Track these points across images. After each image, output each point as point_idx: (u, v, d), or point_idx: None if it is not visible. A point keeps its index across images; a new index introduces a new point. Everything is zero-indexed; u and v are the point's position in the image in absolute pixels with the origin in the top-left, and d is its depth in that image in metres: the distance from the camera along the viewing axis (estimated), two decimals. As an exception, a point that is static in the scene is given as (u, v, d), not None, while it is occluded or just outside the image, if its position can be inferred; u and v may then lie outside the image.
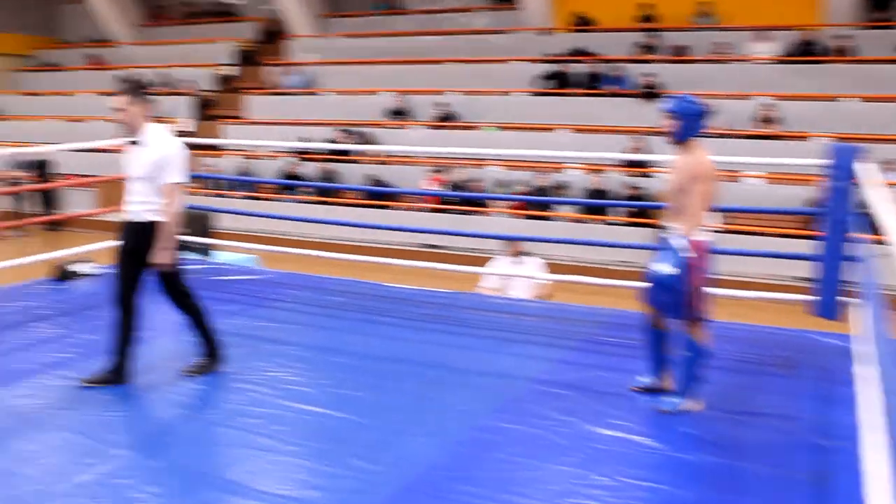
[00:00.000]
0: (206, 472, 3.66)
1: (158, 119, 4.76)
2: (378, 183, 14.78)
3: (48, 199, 17.07)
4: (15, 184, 16.16)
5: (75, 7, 23.29)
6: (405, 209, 14.30)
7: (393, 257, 8.20)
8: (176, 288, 4.79)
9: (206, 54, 20.36)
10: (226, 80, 20.02)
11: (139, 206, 4.60)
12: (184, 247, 7.84)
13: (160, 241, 4.55)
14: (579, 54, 16.32)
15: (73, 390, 4.57)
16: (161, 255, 4.56)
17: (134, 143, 4.64)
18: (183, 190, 4.61)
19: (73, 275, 7.26)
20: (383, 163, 15.76)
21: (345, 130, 16.08)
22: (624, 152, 13.34)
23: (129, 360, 4.70)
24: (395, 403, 4.48)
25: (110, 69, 21.12)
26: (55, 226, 15.88)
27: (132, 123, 4.58)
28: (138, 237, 4.58)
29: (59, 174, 17.05)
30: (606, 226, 13.00)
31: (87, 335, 5.61)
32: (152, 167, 4.54)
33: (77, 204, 16.12)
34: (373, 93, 17.16)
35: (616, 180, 13.56)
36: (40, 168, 17.27)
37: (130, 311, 4.63)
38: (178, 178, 4.57)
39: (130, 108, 4.55)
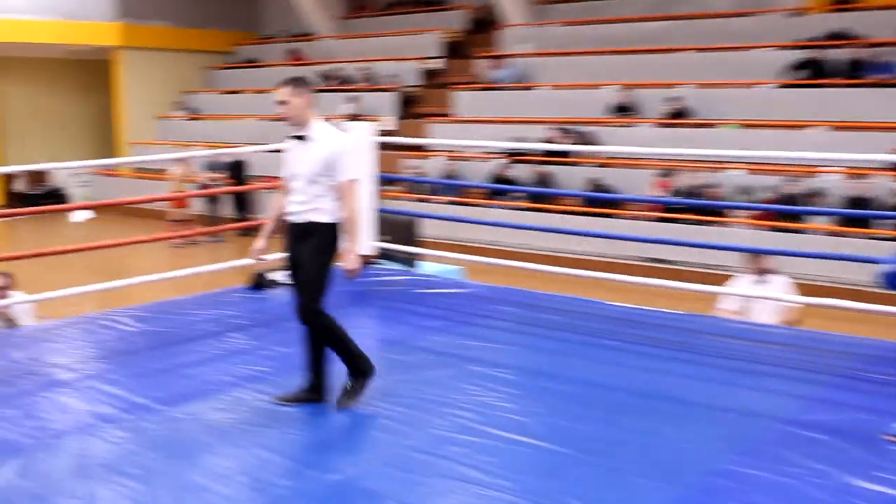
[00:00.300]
0: (406, 503, 3.74)
1: (358, 117, 4.93)
2: (599, 188, 14.67)
3: (243, 203, 18.15)
4: (209, 187, 17.27)
5: (276, 0, 24.76)
6: (629, 218, 14.11)
7: (615, 272, 8.09)
8: (312, 304, 4.75)
9: (410, 47, 21.02)
10: (431, 74, 20.58)
11: (303, 206, 4.70)
12: (386, 256, 8.12)
13: (347, 244, 4.67)
14: (838, 38, 15.50)
15: (268, 406, 4.81)
16: (351, 261, 4.70)
17: (298, 138, 4.76)
18: (358, 187, 4.71)
19: (270, 283, 7.66)
20: (605, 165, 15.63)
21: (562, 129, 16.08)
22: (891, 153, 12.51)
23: (326, 381, 4.89)
24: (617, 438, 4.40)
25: (310, 64, 22.26)
26: (250, 231, 16.89)
27: (295, 117, 4.69)
28: (304, 241, 4.69)
29: (255, 176, 18.04)
30: (869, 240, 12.23)
31: (282, 347, 5.90)
32: (321, 165, 4.63)
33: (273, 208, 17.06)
34: (594, 87, 17.07)
35: (882, 186, 12.74)
36: (235, 170, 18.37)
37: (322, 317, 4.74)
38: (352, 174, 4.69)
39: (293, 100, 4.66)
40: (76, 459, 4.16)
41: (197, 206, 18.01)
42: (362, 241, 4.81)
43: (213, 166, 18.18)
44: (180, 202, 16.87)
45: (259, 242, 4.98)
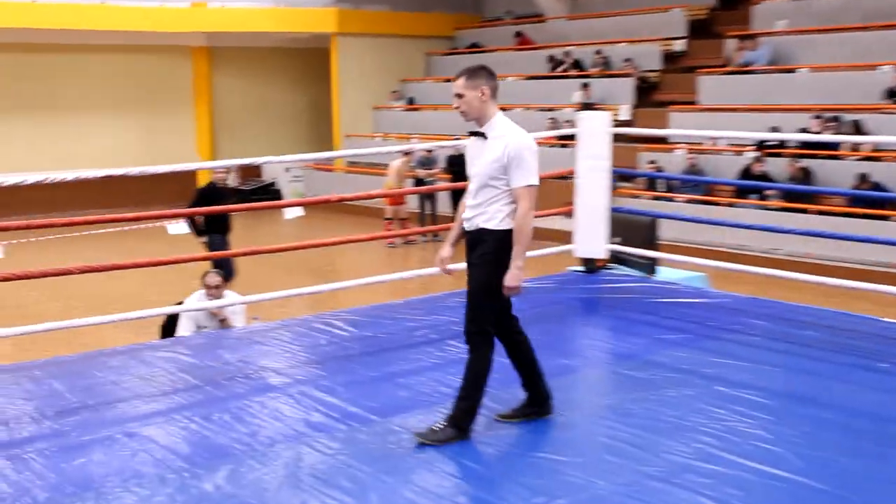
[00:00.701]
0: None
1: (591, 106, 4.85)
2: (869, 185, 13.95)
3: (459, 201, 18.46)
4: (425, 182, 17.66)
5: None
6: (905, 220, 13.35)
7: (887, 283, 7.66)
8: (478, 323, 4.65)
9: (649, 27, 20.74)
10: (673, 57, 20.22)
11: (474, 211, 4.66)
12: (620, 260, 8.04)
13: (512, 258, 4.54)
14: None
15: (487, 420, 4.85)
16: (511, 277, 4.54)
17: (476, 135, 4.71)
18: (535, 194, 4.56)
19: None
20: (876, 159, 14.85)
21: (825, 117, 15.41)
22: None
23: (543, 393, 4.89)
24: (891, 477, 4.16)
25: (538, 48, 22.40)
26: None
27: (470, 112, 4.62)
28: (473, 250, 4.64)
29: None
30: None
31: (506, 359, 5.94)
32: (495, 166, 4.56)
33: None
34: (864, 68, 16.24)
35: None
36: (455, 165, 18.68)
37: (484, 344, 4.69)
38: (531, 179, 4.54)
39: (468, 93, 4.59)
40: (287, 469, 4.36)
41: (414, 204, 18.48)
42: (523, 255, 4.59)
43: (430, 161, 18.58)
44: (396, 199, 17.37)
45: (444, 250, 4.94)
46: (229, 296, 8.00)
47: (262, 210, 8.67)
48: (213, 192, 11.25)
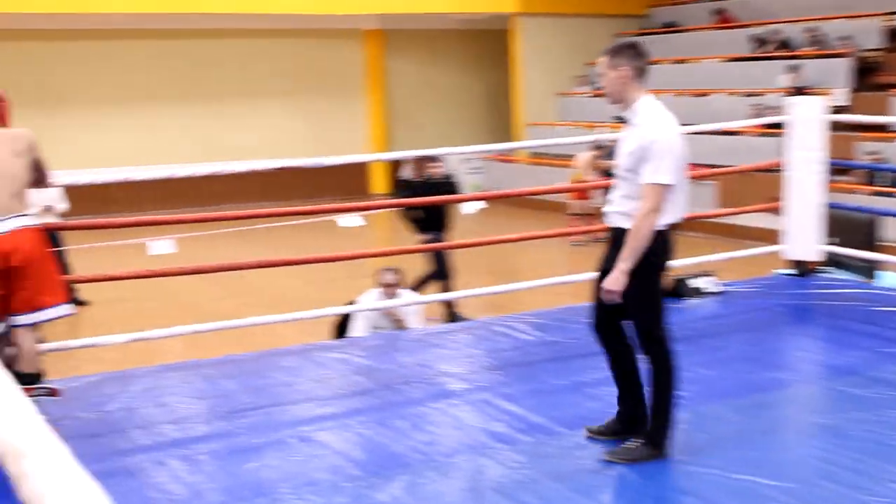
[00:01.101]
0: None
1: (802, 90, 4.65)
2: None
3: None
4: (613, 175, 17.50)
5: (702, -49, 24.64)
6: None
7: None
8: (647, 331, 4.59)
9: (869, 0, 19.99)
10: (897, 34, 19.45)
11: (614, 206, 4.59)
12: (836, 263, 7.79)
13: (619, 259, 4.44)
14: None
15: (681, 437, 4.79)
16: (611, 280, 4.45)
17: (621, 120, 4.62)
18: (666, 194, 4.40)
19: (691, 291, 7.63)
20: None
21: None
22: None
23: (637, 414, 4.74)
24: None
25: (741, 27, 21.90)
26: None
27: (612, 94, 4.56)
28: (616, 250, 4.52)
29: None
30: None
31: (705, 369, 5.86)
32: (632, 157, 4.48)
33: (695, 201, 16.96)
34: None
35: None
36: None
37: (614, 339, 4.68)
38: (659, 176, 4.39)
39: (609, 73, 4.54)
40: (468, 482, 4.40)
41: (601, 199, 18.37)
42: (632, 259, 4.41)
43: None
44: (582, 193, 17.29)
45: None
46: (405, 295, 8.14)
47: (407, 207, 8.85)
48: (428, 186, 11.31)
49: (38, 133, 5.40)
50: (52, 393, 5.22)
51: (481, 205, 7.75)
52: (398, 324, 8.05)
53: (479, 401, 5.48)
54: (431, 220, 11.11)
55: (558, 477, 4.41)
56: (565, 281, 8.00)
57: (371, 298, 8.19)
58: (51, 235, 11.92)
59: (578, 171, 17.15)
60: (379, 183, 24.53)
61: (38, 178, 5.36)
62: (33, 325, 5.13)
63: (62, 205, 11.61)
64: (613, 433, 4.81)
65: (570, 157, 18.07)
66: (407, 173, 11.76)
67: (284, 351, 6.83)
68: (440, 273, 10.59)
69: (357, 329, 8.10)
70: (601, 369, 5.96)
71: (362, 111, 25.13)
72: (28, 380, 4.99)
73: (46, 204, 11.24)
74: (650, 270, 4.49)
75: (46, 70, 21.66)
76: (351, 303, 8.43)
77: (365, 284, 8.76)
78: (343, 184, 22.98)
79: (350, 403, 5.55)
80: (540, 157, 22.70)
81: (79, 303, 11.79)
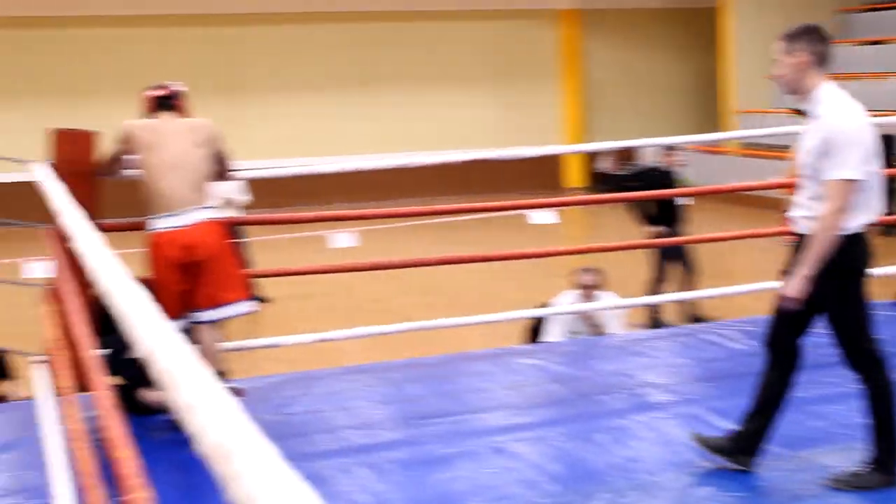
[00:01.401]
0: None
1: None
2: None
3: (891, 191, 17.55)
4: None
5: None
6: None
7: None
8: (852, 345, 4.48)
9: None
10: None
11: (800, 210, 4.46)
12: None
13: (800, 262, 4.34)
14: None
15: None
16: (791, 286, 4.35)
17: (801, 112, 4.51)
18: (854, 191, 4.26)
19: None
20: None
21: None
22: None
23: (754, 440, 4.60)
24: None
25: None
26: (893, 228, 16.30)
27: (788, 83, 4.47)
28: (798, 255, 4.43)
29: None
30: None
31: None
32: (814, 153, 4.35)
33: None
34: None
35: None
36: (887, 146, 17.83)
37: (782, 359, 4.58)
38: (846, 171, 4.25)
39: (785, 59, 4.46)
40: (673, 503, 4.34)
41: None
42: (814, 265, 4.27)
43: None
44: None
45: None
46: (605, 297, 8.09)
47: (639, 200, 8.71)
48: (655, 177, 11.22)
49: (217, 123, 5.57)
50: (237, 393, 5.39)
51: (687, 200, 7.63)
52: (597, 329, 7.99)
53: (686, 414, 5.39)
54: (663, 214, 10.95)
55: (776, 501, 4.32)
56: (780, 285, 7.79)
57: (567, 300, 8.15)
58: (234, 228, 12.38)
59: (793, 164, 16.71)
60: (574, 176, 24.45)
61: (220, 169, 5.52)
62: (215, 322, 5.29)
63: (244, 197, 11.97)
64: (719, 449, 4.66)
65: (785, 148, 17.62)
66: (605, 165, 11.65)
67: (474, 355, 6.88)
68: (686, 267, 10.43)
69: (552, 333, 8.08)
70: (826, 384, 5.82)
71: (556, 98, 25.07)
72: (211, 379, 5.15)
73: (228, 196, 11.59)
74: (847, 278, 4.39)
75: (226, 58, 22.38)
76: (545, 305, 8.41)
77: (559, 285, 8.73)
78: (534, 177, 23.00)
79: (545, 413, 5.55)
80: (752, 149, 22.20)
81: (260, 299, 12.13)
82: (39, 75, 21.25)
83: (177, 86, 5.52)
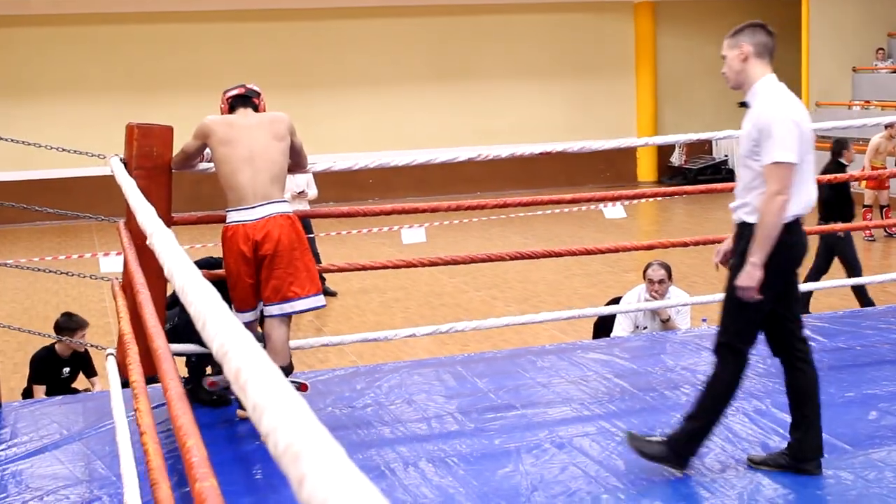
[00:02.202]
0: None
1: None
2: None
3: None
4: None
5: None
6: None
7: None
8: (783, 338, 4.63)
9: None
10: None
11: (736, 200, 4.61)
12: None
13: (749, 253, 4.41)
14: None
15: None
16: (743, 276, 4.40)
17: (742, 105, 4.65)
18: (791, 174, 4.36)
19: None
20: None
21: None
22: None
23: (809, 445, 4.61)
24: None
25: None
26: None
27: (732, 77, 4.63)
28: (737, 248, 4.58)
29: None
30: None
31: None
32: (749, 141, 4.49)
33: None
34: None
35: None
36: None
37: (730, 361, 4.58)
38: (782, 154, 4.35)
39: (728, 53, 4.60)
40: (739, 501, 4.37)
41: (897, 188, 17.68)
42: (763, 251, 4.36)
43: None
44: (880, 182, 16.66)
45: (725, 242, 4.84)
46: (674, 293, 8.09)
47: (711, 194, 8.64)
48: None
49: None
50: (301, 388, 5.49)
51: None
52: (666, 324, 8.00)
53: (752, 411, 5.41)
54: (836, 210, 10.72)
55: (842, 501, 4.33)
56: (857, 281, 7.78)
57: (636, 296, 8.17)
58: (303, 223, 12.52)
59: (873, 157, 16.55)
60: (647, 170, 24.37)
61: (297, 162, 5.64)
62: (284, 317, 5.39)
63: (313, 191, 12.11)
64: (777, 466, 4.67)
65: (866, 141, 17.44)
66: (678, 159, 11.59)
67: (539, 349, 6.94)
68: (852, 268, 10.22)
69: (619, 328, 8.10)
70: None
71: (629, 92, 24.99)
72: (278, 374, 5.25)
73: (299, 189, 11.74)
74: (773, 267, 4.43)
75: (296, 53, 22.57)
76: (614, 300, 8.43)
77: (631, 280, 8.76)
78: (607, 171, 22.97)
79: (611, 408, 5.58)
80: (828, 142, 21.97)
81: (328, 293, 12.28)
82: (116, 71, 21.62)
83: (254, 85, 5.64)
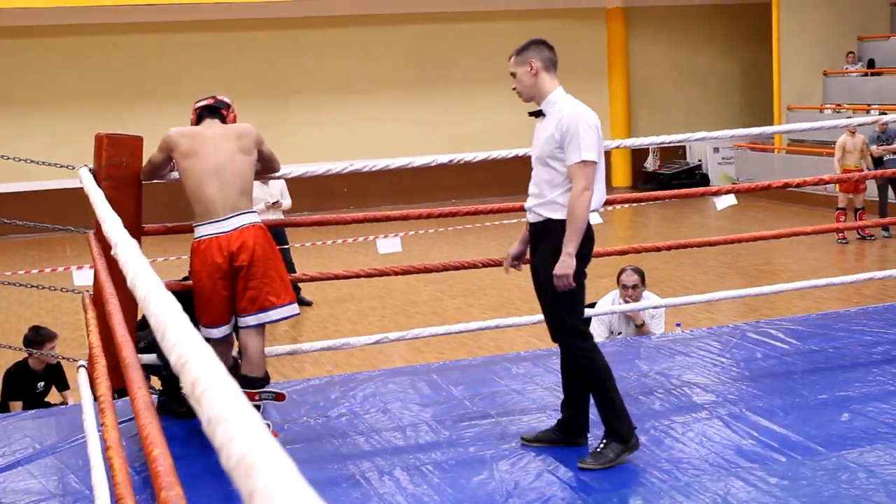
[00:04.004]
0: None
1: None
2: None
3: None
4: (884, 163, 16.77)
5: None
6: None
7: None
8: (565, 321, 4.91)
9: None
10: None
11: (535, 199, 4.94)
12: None
13: (564, 245, 4.73)
14: None
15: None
16: (560, 265, 4.71)
17: (535, 115, 4.99)
18: (594, 172, 4.77)
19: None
20: None
21: None
22: None
23: (580, 422, 5.08)
24: None
25: None
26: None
27: (525, 92, 5.00)
28: (536, 244, 4.99)
29: None
30: None
31: None
32: (552, 143, 4.83)
33: None
34: None
35: None
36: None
37: (584, 345, 4.93)
38: (586, 154, 4.74)
39: (518, 70, 4.99)
40: (717, 503, 4.36)
41: (870, 191, 17.72)
42: (575, 242, 4.75)
43: (889, 136, 17.63)
44: (852, 185, 16.72)
45: (514, 246, 5.30)
46: (648, 297, 8.10)
47: (686, 198, 8.68)
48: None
49: (262, 127, 5.66)
50: (277, 397, 5.45)
51: (732, 199, 7.62)
52: (640, 329, 8.00)
53: (727, 415, 5.41)
54: None
55: (816, 503, 4.32)
56: (828, 283, 7.78)
57: (610, 301, 8.17)
58: (277, 233, 12.48)
59: (844, 160, 16.58)
60: (621, 176, 24.41)
61: (269, 168, 5.63)
62: (259, 327, 5.36)
63: (287, 201, 12.08)
64: (550, 441, 5.09)
65: (832, 144, 17.52)
66: (652, 164, 11.62)
67: (515, 356, 6.92)
68: None
69: (594, 334, 8.09)
70: (871, 383, 5.83)
71: (602, 97, 25.02)
72: (255, 384, 5.22)
73: (273, 200, 11.72)
74: (578, 259, 4.77)
75: (270, 62, 22.51)
76: (589, 306, 8.43)
77: (604, 286, 8.75)
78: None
79: (586, 414, 5.56)
80: (801, 145, 22.08)
81: (303, 302, 12.25)
82: (91, 82, 21.50)
83: (224, 97, 5.61)
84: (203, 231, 5.21)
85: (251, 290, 5.22)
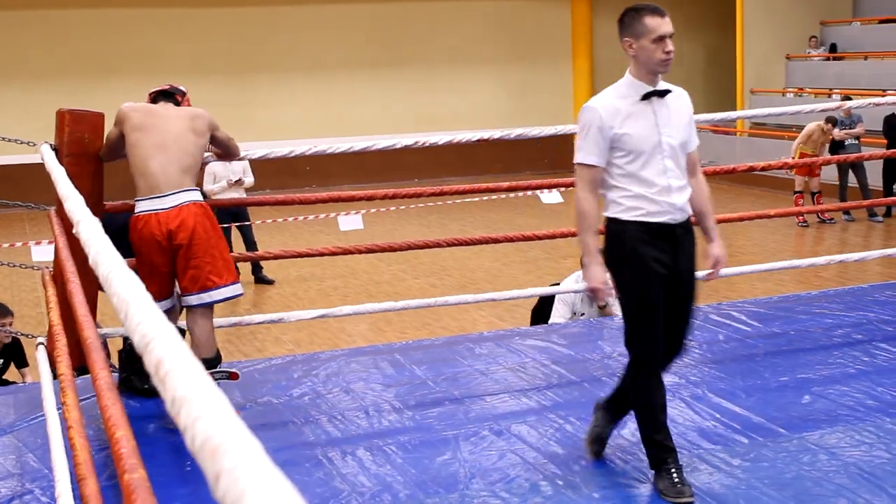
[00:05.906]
0: None
1: None
2: None
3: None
4: (844, 148, 16.86)
5: None
6: None
7: None
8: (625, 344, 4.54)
9: None
10: None
11: (686, 194, 4.48)
12: None
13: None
14: None
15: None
16: (589, 276, 4.40)
17: (661, 94, 4.75)
18: (585, 175, 4.34)
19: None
20: None
21: None
22: None
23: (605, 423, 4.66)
24: None
25: None
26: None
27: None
28: (679, 246, 4.39)
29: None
30: None
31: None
32: (691, 126, 4.57)
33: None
34: None
35: None
36: (890, 127, 17.70)
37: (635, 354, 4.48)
38: (576, 155, 4.38)
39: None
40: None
41: (831, 174, 17.82)
42: (585, 249, 4.38)
43: (851, 121, 17.74)
44: (810, 168, 16.82)
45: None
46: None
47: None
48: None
49: (227, 104, 5.62)
50: (231, 377, 5.41)
51: (558, 196, 7.63)
52: (603, 310, 8.00)
53: (690, 397, 5.42)
54: None
55: (777, 484, 4.33)
56: (789, 266, 7.81)
57: (573, 282, 8.17)
58: (239, 210, 12.41)
59: (805, 143, 16.65)
60: (584, 157, 24.44)
61: (226, 152, 5.61)
62: (204, 308, 5.30)
63: (249, 178, 12.02)
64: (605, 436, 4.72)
65: (800, 128, 17.60)
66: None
67: (477, 337, 6.90)
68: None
69: (557, 315, 8.09)
70: (832, 365, 5.86)
71: (566, 79, 25.05)
72: (206, 365, 5.17)
73: (236, 177, 11.66)
74: (621, 268, 4.37)
75: (236, 39, 22.37)
76: (552, 285, 8.42)
77: (567, 266, 8.76)
78: (545, 157, 22.99)
79: (549, 395, 5.56)
80: (763, 129, 22.19)
81: (265, 281, 12.21)
82: (57, 56, 21.29)
83: (180, 86, 5.60)
84: (143, 206, 5.14)
85: (192, 270, 5.15)
